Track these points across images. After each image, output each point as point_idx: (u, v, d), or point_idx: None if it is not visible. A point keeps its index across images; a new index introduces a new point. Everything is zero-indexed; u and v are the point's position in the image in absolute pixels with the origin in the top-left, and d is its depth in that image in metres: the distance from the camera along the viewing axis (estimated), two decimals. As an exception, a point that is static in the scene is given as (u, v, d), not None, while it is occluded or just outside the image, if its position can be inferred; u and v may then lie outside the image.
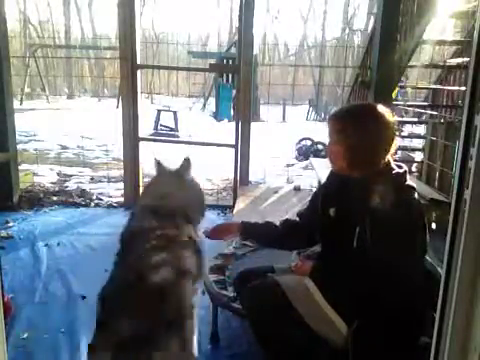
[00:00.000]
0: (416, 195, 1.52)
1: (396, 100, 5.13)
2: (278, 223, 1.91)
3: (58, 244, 3.18)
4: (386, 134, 1.52)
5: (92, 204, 4.21)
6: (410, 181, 1.55)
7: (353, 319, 1.48)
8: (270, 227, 1.89)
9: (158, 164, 1.71)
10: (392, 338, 1.45)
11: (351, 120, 1.55)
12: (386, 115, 1.54)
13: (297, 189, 3.93)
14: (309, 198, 1.91)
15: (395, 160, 1.61)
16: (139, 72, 3.95)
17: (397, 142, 1.57)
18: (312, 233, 1.77)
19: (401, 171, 1.55)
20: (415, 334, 1.50)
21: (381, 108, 1.57)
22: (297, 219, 1.90)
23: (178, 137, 8.86)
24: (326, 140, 1.67)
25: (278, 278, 1.61)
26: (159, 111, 9.60)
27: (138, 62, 3.91)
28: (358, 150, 1.52)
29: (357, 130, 1.52)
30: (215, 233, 1.89)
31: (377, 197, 1.46)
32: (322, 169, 3.46)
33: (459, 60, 4.16)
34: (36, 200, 4.13)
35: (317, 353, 1.50)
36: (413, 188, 1.52)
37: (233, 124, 4.17)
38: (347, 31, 19.46)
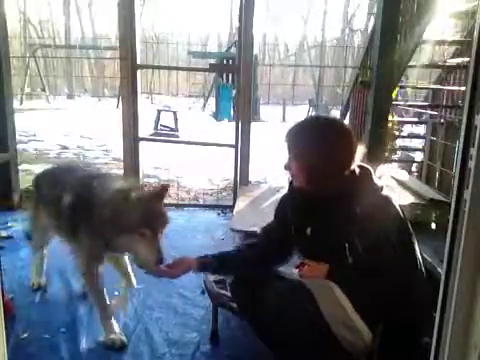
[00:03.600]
0: (386, 194, 1.51)
1: (396, 100, 5.13)
2: (239, 249, 1.88)
3: (58, 244, 3.18)
4: (340, 151, 1.49)
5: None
6: (377, 181, 1.53)
7: (374, 324, 1.45)
8: (233, 256, 1.83)
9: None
10: (414, 340, 1.45)
11: (304, 138, 1.52)
12: (341, 130, 1.52)
13: (297, 189, 3.93)
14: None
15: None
16: (139, 72, 3.95)
17: (360, 151, 1.52)
18: (285, 249, 1.75)
19: (365, 172, 1.53)
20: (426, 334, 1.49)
21: (336, 123, 1.56)
22: (260, 237, 1.87)
23: (178, 137, 8.86)
24: None
25: (305, 281, 1.52)
26: (159, 111, 9.60)
27: (138, 62, 3.91)
28: (313, 168, 1.49)
29: (309, 148, 1.49)
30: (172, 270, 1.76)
31: (356, 210, 1.44)
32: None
33: (459, 60, 4.16)
34: (36, 200, 4.13)
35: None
36: (381, 188, 1.51)
37: (233, 124, 4.17)
38: (347, 31, 19.46)
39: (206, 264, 1.76)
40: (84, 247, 1.93)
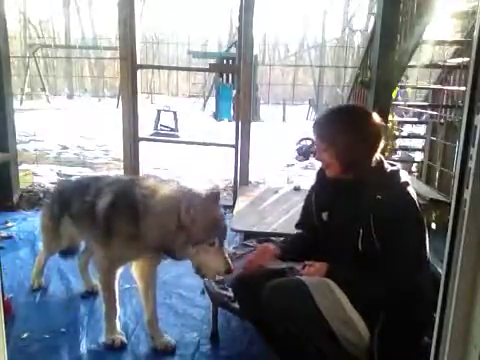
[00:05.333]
0: (411, 190, 1.53)
1: (396, 100, 5.13)
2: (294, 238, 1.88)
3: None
4: (370, 131, 1.55)
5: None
6: (405, 177, 1.56)
7: (373, 321, 1.45)
8: (296, 241, 1.85)
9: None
10: (416, 338, 1.45)
11: (334, 124, 1.57)
12: (368, 113, 1.58)
13: (297, 189, 3.92)
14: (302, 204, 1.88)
15: (392, 160, 1.64)
16: (139, 72, 3.95)
17: (384, 139, 1.59)
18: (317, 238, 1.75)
19: (395, 169, 1.57)
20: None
21: (361, 108, 1.63)
22: (298, 231, 1.88)
23: (178, 137, 8.86)
24: None
25: (302, 278, 1.54)
26: (159, 111, 9.60)
27: (138, 62, 3.91)
28: (347, 152, 1.53)
29: (341, 133, 1.53)
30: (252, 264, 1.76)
31: (378, 197, 1.46)
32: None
33: (459, 60, 4.15)
34: (36, 200, 4.13)
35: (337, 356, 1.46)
36: (408, 183, 1.54)
37: (233, 124, 4.17)
38: (347, 31, 19.45)
39: (283, 250, 1.77)
40: (114, 252, 1.90)
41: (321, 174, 1.70)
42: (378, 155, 1.57)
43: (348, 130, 1.53)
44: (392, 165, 1.60)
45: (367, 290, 1.46)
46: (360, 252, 1.49)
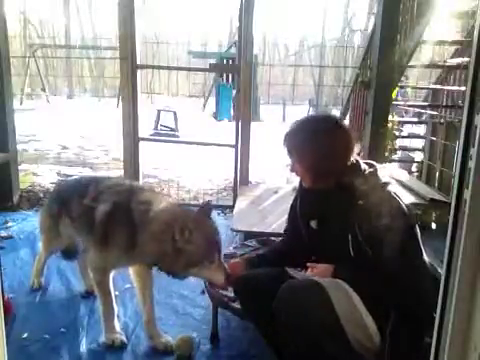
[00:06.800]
0: (392, 189, 1.53)
1: (396, 100, 5.13)
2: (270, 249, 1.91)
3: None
4: (337, 142, 1.53)
5: (92, 204, 4.20)
6: (385, 177, 1.55)
7: (383, 322, 1.44)
8: (267, 254, 1.88)
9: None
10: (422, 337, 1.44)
11: (300, 138, 1.56)
12: (334, 123, 1.56)
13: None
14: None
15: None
16: (139, 72, 3.95)
17: (355, 143, 1.57)
18: (303, 246, 1.75)
19: (372, 170, 1.56)
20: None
21: (326, 118, 1.60)
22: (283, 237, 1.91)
23: (178, 137, 8.86)
24: None
25: (315, 278, 1.51)
26: (159, 111, 9.60)
27: (138, 62, 3.91)
28: (316, 164, 1.53)
29: (307, 147, 1.53)
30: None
31: (360, 202, 1.45)
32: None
33: (459, 60, 4.16)
34: (36, 200, 4.13)
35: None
36: (388, 183, 1.53)
37: (233, 124, 4.17)
38: (347, 31, 19.43)
39: (250, 261, 1.82)
40: (109, 257, 1.91)
41: (302, 186, 1.70)
42: (353, 158, 1.56)
43: (314, 143, 1.52)
44: (370, 165, 1.58)
45: (373, 289, 1.45)
46: (353, 257, 1.48)
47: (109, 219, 1.88)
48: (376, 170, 1.56)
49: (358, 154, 1.63)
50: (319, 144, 1.51)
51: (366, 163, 1.59)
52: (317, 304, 1.40)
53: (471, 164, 0.84)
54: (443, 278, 0.92)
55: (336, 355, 1.39)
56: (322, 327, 1.38)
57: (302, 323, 1.39)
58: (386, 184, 1.53)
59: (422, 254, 1.49)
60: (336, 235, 1.51)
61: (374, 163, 1.60)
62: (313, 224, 1.64)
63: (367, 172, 1.55)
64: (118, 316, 2.09)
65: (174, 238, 1.68)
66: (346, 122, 1.62)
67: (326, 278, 1.50)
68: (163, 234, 1.71)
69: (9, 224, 3.50)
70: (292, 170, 1.64)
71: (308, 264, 1.61)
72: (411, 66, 4.44)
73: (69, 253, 2.47)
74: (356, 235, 1.45)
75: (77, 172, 5.65)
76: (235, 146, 4.03)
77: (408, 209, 1.51)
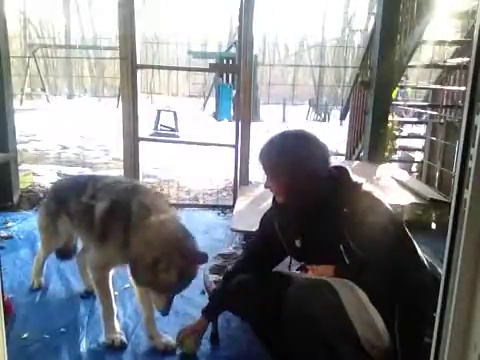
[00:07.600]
0: (373, 191, 1.53)
1: (396, 100, 5.13)
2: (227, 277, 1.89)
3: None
4: (314, 154, 1.51)
5: (92, 204, 4.20)
6: (355, 178, 1.55)
7: (389, 319, 1.43)
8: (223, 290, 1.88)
9: None
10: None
11: (276, 156, 1.54)
12: (305, 137, 1.54)
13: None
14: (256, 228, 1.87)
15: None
16: (139, 72, 3.95)
17: (328, 156, 1.55)
18: (274, 259, 1.77)
19: (344, 173, 1.55)
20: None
21: (299, 132, 1.58)
22: (244, 258, 1.90)
23: (178, 137, 8.86)
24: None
25: (327, 278, 1.49)
26: (159, 111, 9.60)
27: (138, 62, 3.91)
28: (290, 183, 1.52)
29: (280, 166, 1.53)
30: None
31: (345, 210, 1.45)
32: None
33: (459, 60, 4.16)
34: (36, 200, 4.13)
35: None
36: (361, 184, 1.53)
37: (233, 124, 4.17)
38: (347, 31, 19.45)
39: (211, 312, 1.88)
40: (107, 254, 1.92)
41: (277, 202, 1.68)
42: (326, 168, 1.54)
43: (289, 163, 1.51)
44: (339, 169, 1.56)
45: (375, 286, 1.43)
46: (350, 265, 1.47)
47: (107, 216, 1.89)
48: (347, 172, 1.56)
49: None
50: (292, 161, 1.50)
51: (335, 168, 1.57)
52: (329, 304, 1.39)
53: (471, 164, 0.84)
54: (443, 278, 0.92)
55: (347, 355, 1.38)
56: (334, 326, 1.37)
57: (314, 323, 1.38)
58: (361, 184, 1.53)
59: (414, 244, 1.49)
60: (327, 248, 1.50)
61: (341, 165, 1.60)
62: (298, 243, 1.61)
63: (341, 178, 1.54)
64: (118, 316, 2.09)
65: (149, 257, 1.69)
66: (310, 132, 1.61)
67: (329, 278, 1.50)
68: (145, 247, 1.72)
69: (9, 224, 3.50)
70: (266, 186, 1.63)
71: (308, 266, 1.61)
72: (411, 66, 4.44)
73: (64, 253, 2.47)
74: (348, 243, 1.44)
75: (77, 172, 5.65)
76: (235, 146, 4.03)
77: (389, 204, 1.52)
